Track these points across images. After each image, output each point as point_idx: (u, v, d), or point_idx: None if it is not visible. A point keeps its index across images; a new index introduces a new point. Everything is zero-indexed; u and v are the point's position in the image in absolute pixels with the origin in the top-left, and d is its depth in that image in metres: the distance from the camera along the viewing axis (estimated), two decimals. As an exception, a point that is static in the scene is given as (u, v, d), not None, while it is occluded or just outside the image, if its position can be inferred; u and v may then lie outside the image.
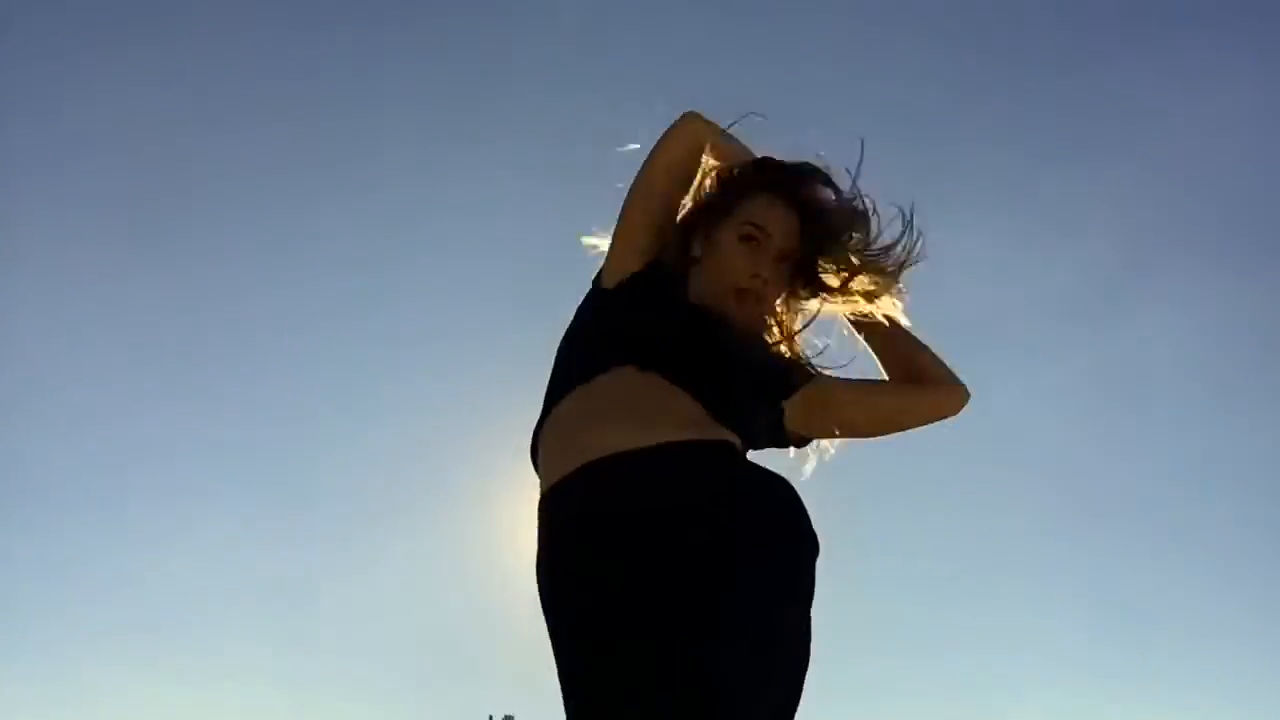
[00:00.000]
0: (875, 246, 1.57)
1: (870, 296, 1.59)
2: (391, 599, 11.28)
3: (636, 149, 1.64)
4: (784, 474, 1.42)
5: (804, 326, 1.67)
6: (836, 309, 1.65)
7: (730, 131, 1.66)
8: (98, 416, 10.73)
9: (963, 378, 1.70)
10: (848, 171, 1.60)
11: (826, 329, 1.70)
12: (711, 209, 1.62)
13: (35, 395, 10.39)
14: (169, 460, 10.93)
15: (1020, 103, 10.03)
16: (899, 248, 1.57)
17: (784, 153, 1.69)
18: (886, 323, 1.62)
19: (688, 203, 1.65)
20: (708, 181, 1.64)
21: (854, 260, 1.57)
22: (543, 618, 1.35)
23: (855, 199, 1.58)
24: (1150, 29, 9.57)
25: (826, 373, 1.68)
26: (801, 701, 1.29)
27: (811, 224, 1.58)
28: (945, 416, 1.69)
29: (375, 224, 10.57)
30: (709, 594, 1.21)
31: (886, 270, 1.57)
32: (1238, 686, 10.50)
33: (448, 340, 11.00)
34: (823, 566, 1.33)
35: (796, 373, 1.66)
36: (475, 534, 9.89)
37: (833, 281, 1.59)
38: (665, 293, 1.55)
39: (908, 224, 1.57)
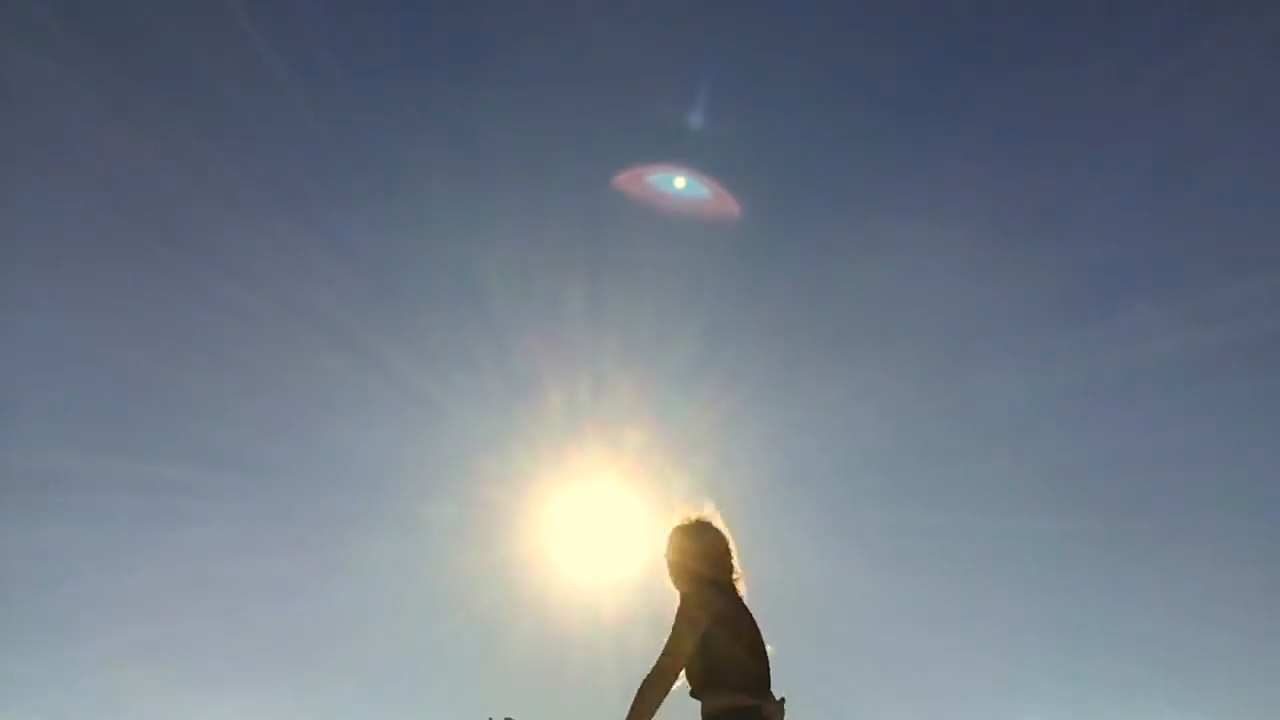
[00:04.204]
0: None
1: None
2: (390, 602, 11.28)
3: None
4: None
5: None
6: None
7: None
8: (89, 416, 10.72)
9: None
10: None
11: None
12: None
13: (30, 395, 10.39)
14: (162, 462, 10.93)
15: (1011, 96, 10.05)
16: None
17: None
18: None
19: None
20: None
21: None
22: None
23: None
24: (1139, 24, 9.60)
25: None
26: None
27: None
28: None
29: (371, 228, 10.57)
30: None
31: None
32: (1238, 686, 10.48)
33: (446, 338, 11.00)
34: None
35: None
36: (478, 536, 9.90)
37: None
38: None
39: None
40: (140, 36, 9.21)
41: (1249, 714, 9.89)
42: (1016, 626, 10.91)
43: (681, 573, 3.25)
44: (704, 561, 3.25)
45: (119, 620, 10.51)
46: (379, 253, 10.60)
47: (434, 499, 11.03)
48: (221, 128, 9.73)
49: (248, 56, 9.33)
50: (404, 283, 10.81)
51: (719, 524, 3.33)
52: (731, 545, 3.40)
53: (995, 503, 11.01)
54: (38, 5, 8.82)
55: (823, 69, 9.68)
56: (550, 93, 9.90)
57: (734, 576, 3.29)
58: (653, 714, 3.01)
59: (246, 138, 9.79)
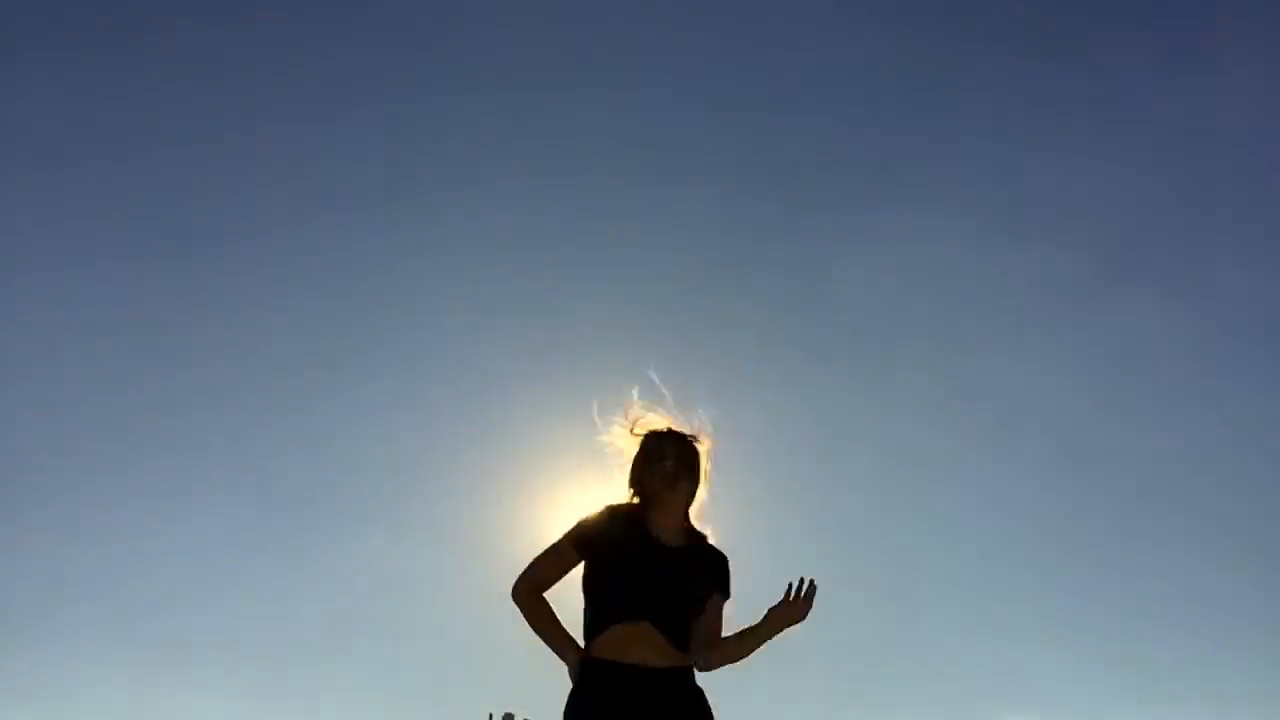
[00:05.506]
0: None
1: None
2: (389, 597, 11.30)
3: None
4: None
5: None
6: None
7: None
8: (83, 414, 10.73)
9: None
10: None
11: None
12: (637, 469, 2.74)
13: (29, 394, 10.40)
14: (157, 456, 10.93)
15: (1008, 92, 10.04)
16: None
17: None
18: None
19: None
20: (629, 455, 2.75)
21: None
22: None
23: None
24: (1138, 16, 9.60)
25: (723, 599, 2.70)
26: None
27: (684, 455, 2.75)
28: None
29: (365, 222, 10.57)
30: None
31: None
32: (1240, 683, 10.46)
33: (442, 337, 11.01)
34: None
35: (707, 585, 2.67)
36: (474, 530, 9.90)
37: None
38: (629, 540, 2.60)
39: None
40: (144, 41, 9.21)
41: (1252, 711, 9.89)
42: (1015, 623, 10.91)
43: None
44: None
45: (116, 618, 10.52)
46: (381, 252, 10.61)
47: (433, 497, 11.04)
48: (224, 130, 9.74)
49: (252, 61, 9.35)
50: (403, 282, 10.82)
51: None
52: None
53: (994, 499, 11.01)
54: (40, 5, 8.83)
55: (819, 65, 9.67)
56: (549, 96, 9.92)
57: None
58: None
59: (249, 140, 9.80)
